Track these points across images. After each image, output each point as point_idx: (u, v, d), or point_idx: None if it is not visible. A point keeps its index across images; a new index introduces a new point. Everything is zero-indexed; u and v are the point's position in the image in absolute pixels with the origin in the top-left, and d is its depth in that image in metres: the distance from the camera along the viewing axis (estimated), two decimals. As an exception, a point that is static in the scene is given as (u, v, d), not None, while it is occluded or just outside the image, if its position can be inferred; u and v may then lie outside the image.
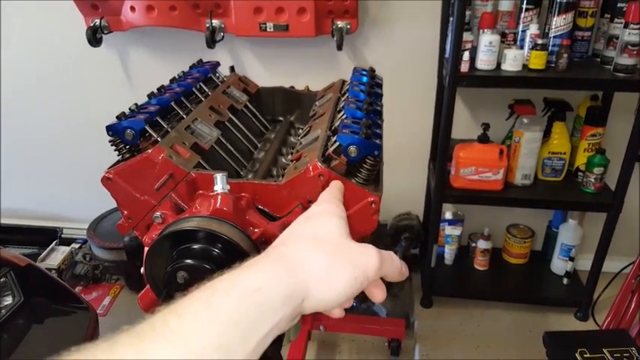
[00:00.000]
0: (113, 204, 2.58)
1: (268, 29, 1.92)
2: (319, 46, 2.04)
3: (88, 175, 2.49)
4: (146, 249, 1.08)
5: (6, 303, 1.44)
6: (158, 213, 0.96)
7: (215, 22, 1.95)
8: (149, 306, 0.97)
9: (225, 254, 0.84)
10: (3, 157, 2.56)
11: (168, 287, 0.84)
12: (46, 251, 2.42)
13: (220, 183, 0.92)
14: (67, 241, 2.55)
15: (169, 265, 0.83)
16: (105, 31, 2.04)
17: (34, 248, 2.51)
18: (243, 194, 0.97)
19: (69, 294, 1.55)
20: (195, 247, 0.84)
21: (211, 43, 1.93)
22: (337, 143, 1.00)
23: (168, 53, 2.18)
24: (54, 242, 2.50)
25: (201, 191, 0.97)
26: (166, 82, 1.36)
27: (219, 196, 0.91)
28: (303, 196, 0.99)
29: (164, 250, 0.86)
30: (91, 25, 2.02)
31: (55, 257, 2.40)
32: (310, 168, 0.96)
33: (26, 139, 2.49)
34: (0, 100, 2.41)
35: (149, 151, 1.01)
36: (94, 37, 2.02)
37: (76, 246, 2.51)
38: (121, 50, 2.20)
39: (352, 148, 0.98)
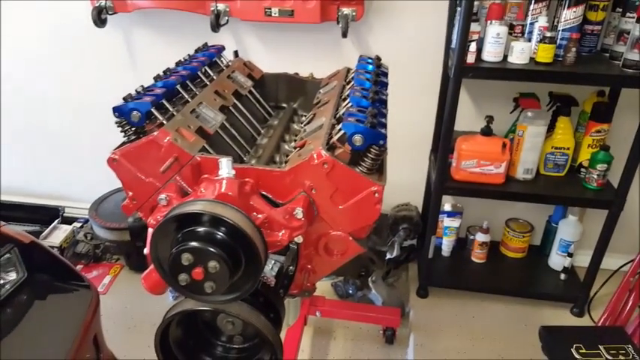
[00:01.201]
0: (115, 185, 2.59)
1: (273, 14, 1.91)
2: (324, 32, 2.02)
3: (90, 155, 2.51)
4: (150, 230, 1.10)
5: (10, 278, 1.46)
6: (163, 195, 0.97)
7: (220, 5, 1.93)
8: (153, 286, 0.99)
9: (229, 238, 0.85)
10: (7, 136, 2.56)
11: (173, 269, 0.85)
12: (48, 229, 2.44)
13: (226, 167, 0.93)
14: (68, 220, 2.57)
15: (174, 247, 0.85)
16: (110, 12, 2.02)
17: (35, 226, 2.53)
18: (247, 179, 0.98)
19: (71, 272, 1.56)
20: (200, 230, 0.85)
21: (216, 26, 1.92)
22: (342, 131, 1.00)
23: (173, 36, 2.16)
24: (56, 221, 2.51)
25: (206, 175, 0.98)
26: (170, 65, 1.35)
27: (225, 181, 0.92)
28: (307, 184, 1.00)
29: (169, 232, 0.87)
30: (96, 5, 2.01)
31: (57, 235, 2.42)
32: (315, 156, 0.97)
33: (30, 117, 2.49)
34: (1, 79, 2.40)
35: (155, 133, 1.02)
36: (99, 18, 2.01)
37: (78, 225, 2.52)
38: (125, 31, 2.19)
39: (357, 137, 0.98)
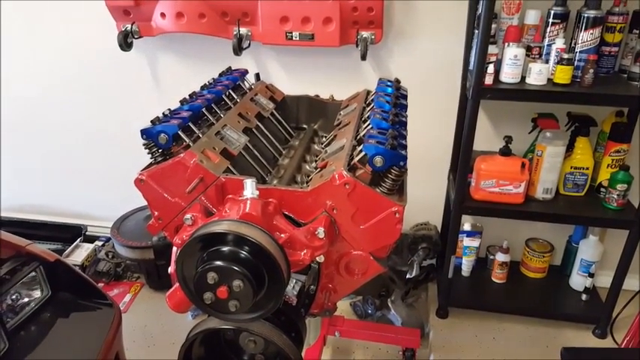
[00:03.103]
0: (135, 205, 2.64)
1: (294, 38, 1.96)
2: (343, 56, 2.07)
3: (111, 175, 2.58)
4: (174, 249, 1.12)
5: (34, 296, 1.49)
6: (188, 215, 1.00)
7: (242, 30, 2.00)
8: (177, 305, 1.01)
9: (253, 257, 0.87)
10: (31, 155, 2.65)
11: (198, 287, 0.87)
12: (70, 247, 2.49)
13: (250, 188, 0.96)
14: (90, 239, 2.62)
15: (200, 265, 0.87)
16: (135, 36, 2.11)
17: (58, 244, 2.58)
18: (270, 200, 1.00)
19: (94, 290, 1.59)
20: (225, 249, 0.87)
21: (238, 50, 1.98)
22: (363, 153, 1.03)
23: (196, 59, 2.23)
24: (78, 239, 2.57)
25: (230, 195, 1.01)
26: (193, 88, 1.40)
27: (249, 201, 0.94)
28: (328, 204, 1.02)
29: (195, 251, 0.89)
30: (123, 29, 2.09)
31: (79, 254, 2.47)
32: (336, 176, 0.99)
33: (54, 138, 2.57)
34: (25, 101, 2.50)
35: (181, 155, 1.05)
36: (125, 42, 2.09)
37: (99, 244, 2.57)
38: (149, 55, 2.27)
39: (378, 159, 1.01)
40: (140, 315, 2.25)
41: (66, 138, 2.56)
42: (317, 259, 1.00)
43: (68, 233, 2.63)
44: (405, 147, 1.06)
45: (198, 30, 2.04)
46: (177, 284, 1.03)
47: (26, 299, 1.47)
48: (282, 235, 0.97)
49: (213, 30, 2.03)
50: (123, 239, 2.30)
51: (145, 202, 2.65)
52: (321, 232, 0.97)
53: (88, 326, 1.51)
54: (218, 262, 0.85)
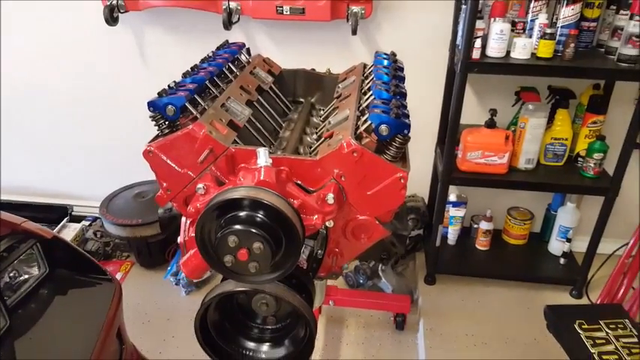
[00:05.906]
0: (122, 183, 2.61)
1: (285, 12, 1.96)
2: (333, 30, 2.09)
3: (95, 154, 2.54)
4: (184, 219, 1.15)
5: (32, 274, 1.49)
6: (201, 185, 1.03)
7: (232, 4, 1.98)
8: (192, 271, 1.04)
9: (271, 221, 0.91)
10: (14, 134, 2.57)
11: (218, 251, 0.91)
12: (57, 228, 2.46)
13: (263, 157, 0.99)
14: (76, 219, 2.59)
15: (220, 231, 0.90)
16: (121, 10, 2.05)
17: (44, 225, 2.54)
18: (282, 168, 1.03)
19: (93, 266, 1.60)
20: (243, 214, 0.91)
21: (228, 24, 1.97)
22: (369, 122, 1.07)
23: (184, 34, 2.20)
24: (65, 219, 2.54)
25: (243, 164, 1.03)
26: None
27: (263, 169, 0.97)
28: (336, 172, 1.06)
29: (214, 217, 0.92)
30: (108, 3, 2.03)
31: (66, 234, 2.44)
32: (344, 145, 1.03)
33: (38, 116, 2.50)
34: (11, 78, 2.42)
35: (190, 126, 1.07)
36: (111, 16, 2.04)
37: (86, 223, 2.55)
38: (136, 30, 2.22)
39: (383, 127, 1.05)
40: (133, 293, 2.26)
41: (49, 116, 2.50)
42: (327, 223, 1.05)
43: (54, 214, 2.59)
44: (407, 116, 1.11)
45: (185, 4, 2.01)
46: (191, 251, 1.06)
47: (24, 277, 1.47)
48: (295, 201, 1.00)
49: (202, 4, 2.01)
50: (112, 217, 2.29)
51: (131, 180, 2.62)
52: (330, 198, 1.01)
53: (88, 302, 1.51)
54: (239, 226, 0.88)
